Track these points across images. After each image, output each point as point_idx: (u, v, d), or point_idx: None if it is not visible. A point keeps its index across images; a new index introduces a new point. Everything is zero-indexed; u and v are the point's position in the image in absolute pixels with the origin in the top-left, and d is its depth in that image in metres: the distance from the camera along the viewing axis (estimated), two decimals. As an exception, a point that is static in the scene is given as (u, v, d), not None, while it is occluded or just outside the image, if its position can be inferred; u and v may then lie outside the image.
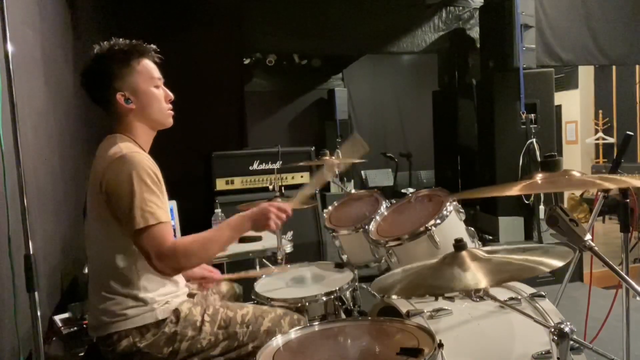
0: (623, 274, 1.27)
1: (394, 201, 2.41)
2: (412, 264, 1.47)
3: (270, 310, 1.81)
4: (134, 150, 1.62)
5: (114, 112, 1.70)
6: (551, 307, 1.67)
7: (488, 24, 5.02)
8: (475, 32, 5.57)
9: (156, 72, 1.74)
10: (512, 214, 4.79)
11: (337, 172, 2.41)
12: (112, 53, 1.67)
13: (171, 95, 1.77)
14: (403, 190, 5.74)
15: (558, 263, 1.19)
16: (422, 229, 1.94)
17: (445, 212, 1.97)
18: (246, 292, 2.21)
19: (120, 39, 1.70)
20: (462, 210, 2.07)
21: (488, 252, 1.35)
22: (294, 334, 1.51)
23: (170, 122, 1.77)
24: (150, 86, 1.71)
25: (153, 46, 1.74)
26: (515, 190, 1.33)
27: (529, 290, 1.77)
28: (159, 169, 1.65)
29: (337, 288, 2.09)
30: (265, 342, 1.47)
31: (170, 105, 1.77)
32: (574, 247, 1.31)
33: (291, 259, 2.73)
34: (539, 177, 1.39)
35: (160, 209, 1.56)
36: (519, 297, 1.73)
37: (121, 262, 1.61)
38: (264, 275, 2.32)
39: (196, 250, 1.60)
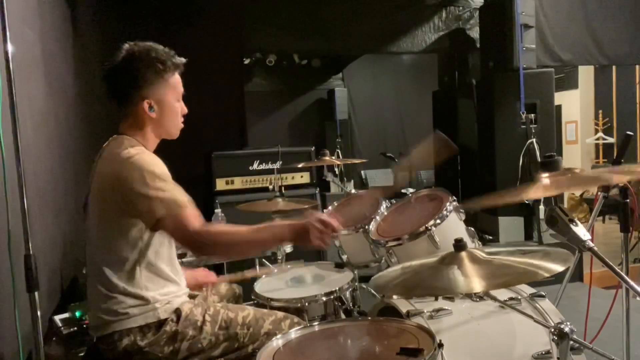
0: (623, 274, 1.27)
1: (394, 201, 2.40)
2: (412, 262, 1.47)
3: (270, 313, 1.81)
4: (142, 150, 1.64)
5: (131, 114, 1.71)
6: (551, 307, 1.67)
7: (488, 24, 5.02)
8: (475, 32, 5.57)
9: (180, 86, 1.76)
10: (512, 214, 4.79)
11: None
12: (150, 60, 1.67)
13: (185, 110, 1.79)
14: (403, 190, 5.74)
15: (558, 267, 1.18)
16: (422, 229, 1.93)
17: (445, 212, 1.97)
18: (246, 292, 2.21)
19: (160, 46, 1.70)
20: (462, 210, 2.07)
21: (488, 253, 1.35)
22: (294, 334, 1.51)
23: (177, 135, 1.80)
24: (175, 100, 1.74)
25: (183, 60, 1.74)
26: (531, 194, 1.32)
27: (529, 290, 1.77)
28: (167, 169, 1.66)
29: (337, 288, 2.10)
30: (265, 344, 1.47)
31: (182, 119, 1.79)
32: (574, 247, 1.31)
33: (291, 259, 2.73)
34: (548, 178, 1.38)
35: (178, 192, 1.58)
36: (519, 297, 1.73)
37: (124, 261, 1.62)
38: (263, 275, 2.31)
39: (224, 243, 1.61)
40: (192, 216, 1.57)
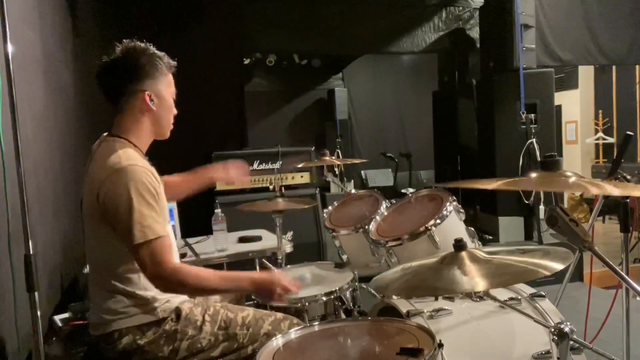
0: (623, 274, 1.27)
1: (394, 201, 2.40)
2: (412, 263, 1.47)
3: (270, 313, 1.81)
4: (133, 162, 1.59)
5: (128, 109, 1.69)
6: (551, 307, 1.67)
7: (488, 24, 5.03)
8: (475, 32, 5.57)
9: (174, 87, 1.79)
10: (512, 214, 4.80)
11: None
12: (150, 54, 1.69)
13: (176, 111, 1.80)
14: (403, 190, 5.74)
15: (559, 266, 1.18)
16: (422, 229, 1.93)
17: (445, 212, 1.97)
18: (246, 292, 2.21)
19: (151, 45, 1.73)
20: (462, 210, 2.07)
21: (488, 253, 1.35)
22: (294, 334, 1.51)
23: (168, 135, 1.81)
24: (170, 97, 1.76)
25: (175, 63, 1.78)
26: (496, 184, 1.33)
27: (529, 290, 1.77)
28: (158, 178, 1.64)
29: (337, 288, 2.10)
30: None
31: (173, 120, 1.80)
32: (574, 247, 1.31)
33: (291, 259, 2.73)
34: (532, 175, 1.39)
35: (158, 223, 1.56)
36: (519, 297, 1.73)
37: (122, 261, 1.61)
38: None
39: (192, 285, 1.59)
40: (168, 250, 1.56)
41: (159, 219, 1.57)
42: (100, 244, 1.64)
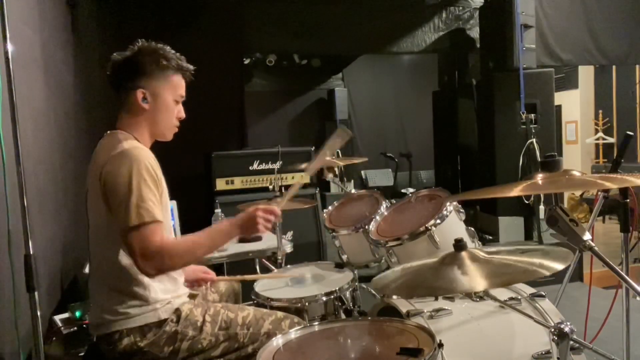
0: (623, 274, 1.27)
1: (394, 201, 2.40)
2: (412, 263, 1.47)
3: (270, 312, 1.81)
4: (136, 145, 1.63)
5: (126, 104, 1.71)
6: (551, 307, 1.67)
7: (488, 24, 5.02)
8: (475, 32, 5.57)
9: (182, 90, 1.77)
10: (512, 214, 4.80)
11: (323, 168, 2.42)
12: (155, 53, 1.70)
13: (183, 115, 1.79)
14: (403, 190, 5.74)
15: (559, 266, 1.18)
16: (422, 229, 1.93)
17: (445, 212, 1.97)
18: (246, 292, 2.21)
19: (168, 47, 1.73)
20: (462, 210, 2.07)
21: (488, 252, 1.35)
22: (294, 334, 1.51)
23: (170, 137, 1.81)
24: (171, 98, 1.74)
25: (191, 67, 1.77)
26: (516, 191, 1.33)
27: (529, 290, 1.77)
28: (159, 166, 1.66)
29: (337, 288, 2.10)
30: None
31: (177, 123, 1.80)
32: (574, 247, 1.31)
33: (291, 259, 2.73)
34: (539, 177, 1.39)
35: (157, 207, 1.56)
36: (519, 297, 1.73)
37: (125, 260, 1.61)
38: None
39: (182, 253, 1.58)
40: (160, 232, 1.55)
41: (157, 203, 1.57)
42: (104, 239, 1.64)
